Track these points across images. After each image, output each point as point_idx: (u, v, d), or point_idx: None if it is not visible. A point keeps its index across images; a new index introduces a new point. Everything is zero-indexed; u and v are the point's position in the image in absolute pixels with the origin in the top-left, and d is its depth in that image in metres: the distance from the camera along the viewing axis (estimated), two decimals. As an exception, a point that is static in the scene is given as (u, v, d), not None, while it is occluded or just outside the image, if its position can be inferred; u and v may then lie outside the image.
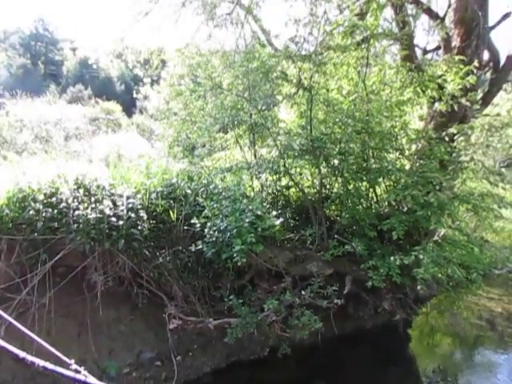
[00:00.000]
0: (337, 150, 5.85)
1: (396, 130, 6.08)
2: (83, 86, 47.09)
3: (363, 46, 5.69)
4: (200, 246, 4.83)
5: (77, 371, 2.33)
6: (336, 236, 5.86)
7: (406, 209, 5.61)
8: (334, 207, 6.81)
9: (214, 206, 4.95)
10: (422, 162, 5.72)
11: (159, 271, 4.90)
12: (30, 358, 2.49)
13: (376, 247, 5.63)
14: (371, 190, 6.28)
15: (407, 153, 6.23)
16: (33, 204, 4.37)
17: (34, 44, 65.28)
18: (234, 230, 4.61)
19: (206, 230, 4.82)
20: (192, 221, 4.97)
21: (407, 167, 6.21)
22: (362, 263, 5.30)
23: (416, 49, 6.66)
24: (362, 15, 6.04)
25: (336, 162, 5.91)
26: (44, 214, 4.34)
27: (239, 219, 4.70)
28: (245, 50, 7.16)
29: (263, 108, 6.81)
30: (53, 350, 2.49)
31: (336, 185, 6.51)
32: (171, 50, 8.73)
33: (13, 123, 17.38)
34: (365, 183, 6.13)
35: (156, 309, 4.87)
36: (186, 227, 5.18)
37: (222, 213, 4.86)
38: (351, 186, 6.05)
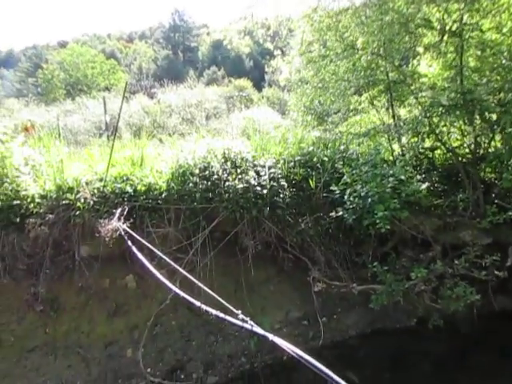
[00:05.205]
0: (495, 101, 5.05)
1: None
2: (217, 67, 50.58)
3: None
4: (340, 213, 4.83)
5: (244, 320, 2.66)
6: (496, 201, 5.16)
7: None
8: (490, 169, 5.99)
9: (353, 172, 4.85)
10: None
11: (302, 237, 5.09)
12: (204, 307, 2.94)
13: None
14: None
15: None
16: (191, 178, 4.97)
17: (173, 35, 72.51)
18: (376, 196, 4.48)
19: (345, 197, 4.77)
20: (331, 188, 4.98)
21: None
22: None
23: None
24: None
25: (494, 116, 5.13)
26: (200, 186, 4.89)
27: (381, 185, 4.53)
28: (378, 1, 6.59)
29: (401, 64, 6.26)
30: (222, 301, 2.87)
31: (493, 143, 5.68)
32: (299, 18, 8.61)
33: (163, 109, 19.80)
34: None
35: (301, 272, 5.11)
36: (324, 194, 5.23)
37: (361, 179, 4.74)
38: (515, 142, 5.19)
